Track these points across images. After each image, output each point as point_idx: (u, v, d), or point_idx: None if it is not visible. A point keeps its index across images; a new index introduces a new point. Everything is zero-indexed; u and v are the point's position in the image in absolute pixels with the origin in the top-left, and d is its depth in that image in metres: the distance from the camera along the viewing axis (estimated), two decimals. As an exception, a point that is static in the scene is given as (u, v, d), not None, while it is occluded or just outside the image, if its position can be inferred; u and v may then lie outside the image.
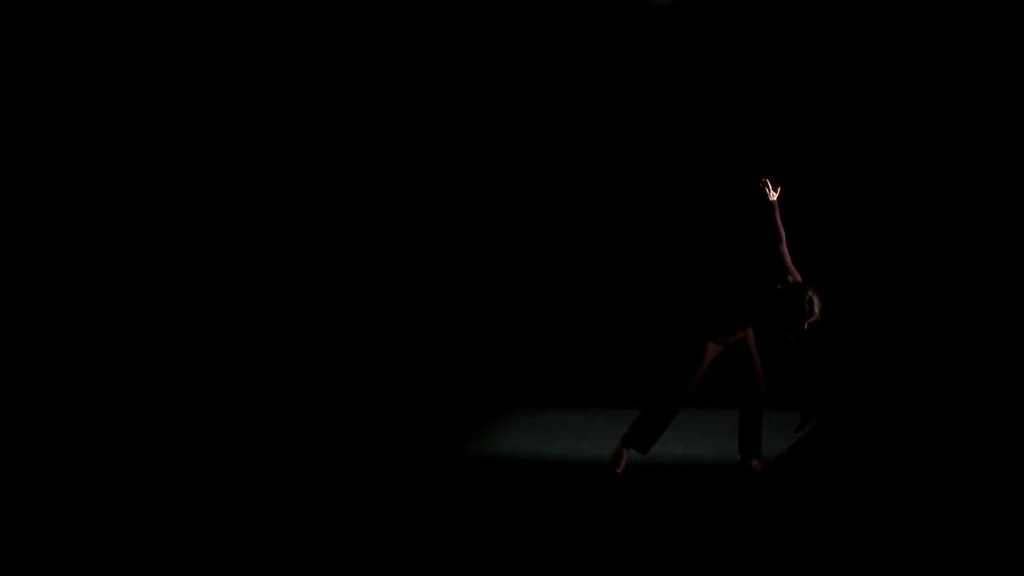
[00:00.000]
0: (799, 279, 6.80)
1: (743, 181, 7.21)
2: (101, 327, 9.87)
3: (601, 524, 6.03)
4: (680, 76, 10.39)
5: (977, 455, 7.59)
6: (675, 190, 10.46)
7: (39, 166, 9.85)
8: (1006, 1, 9.73)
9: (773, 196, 6.98)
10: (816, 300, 6.64)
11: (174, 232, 10.19)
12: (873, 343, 7.29)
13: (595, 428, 8.76)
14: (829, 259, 9.50)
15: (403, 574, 5.20)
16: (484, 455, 7.81)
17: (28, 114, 9.79)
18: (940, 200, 10.02)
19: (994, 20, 9.79)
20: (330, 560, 5.35)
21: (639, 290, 10.51)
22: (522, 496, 6.62)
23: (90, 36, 9.87)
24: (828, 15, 10.09)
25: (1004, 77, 9.84)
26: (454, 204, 10.59)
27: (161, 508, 6.30)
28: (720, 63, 10.32)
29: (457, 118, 10.50)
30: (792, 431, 6.81)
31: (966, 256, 9.93)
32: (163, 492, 6.68)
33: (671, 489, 6.80)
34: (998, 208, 9.90)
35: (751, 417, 7.19)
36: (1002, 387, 9.16)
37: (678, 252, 10.35)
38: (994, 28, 9.80)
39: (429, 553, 5.46)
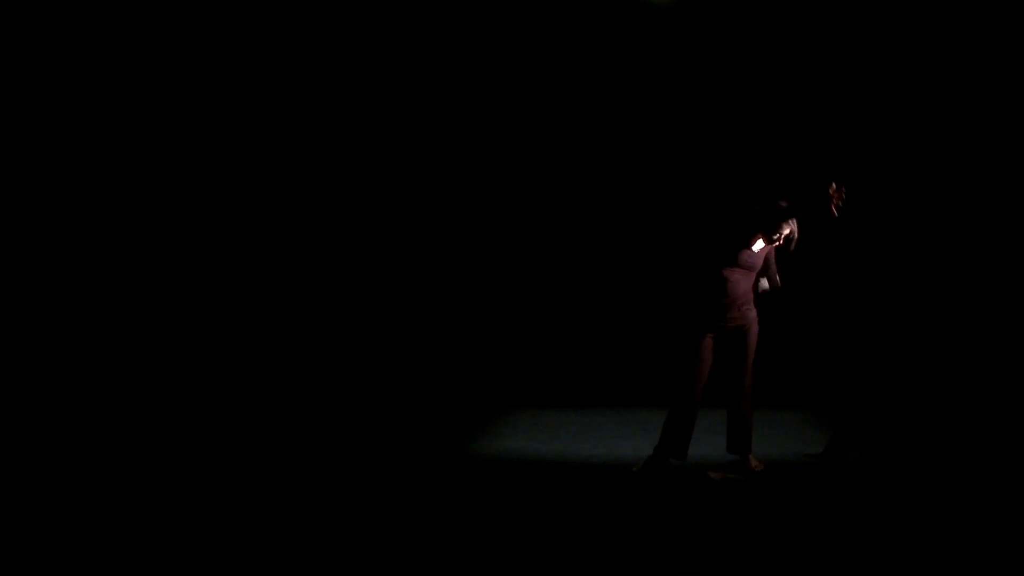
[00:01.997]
0: None
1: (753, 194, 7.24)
2: (102, 328, 9.87)
3: (601, 524, 6.03)
4: (679, 76, 10.39)
5: (977, 455, 7.61)
6: (674, 190, 10.46)
7: (39, 167, 9.85)
8: (1005, 1, 9.75)
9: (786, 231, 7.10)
10: (793, 222, 6.97)
11: (175, 234, 10.20)
12: (878, 344, 7.30)
13: (595, 428, 8.77)
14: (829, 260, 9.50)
15: (403, 574, 5.21)
16: (484, 455, 7.82)
17: (28, 115, 9.79)
18: (939, 201, 10.03)
19: (993, 20, 9.80)
20: (330, 560, 5.36)
21: (639, 290, 10.51)
22: (522, 496, 6.63)
23: (90, 36, 9.87)
24: (827, 15, 10.10)
25: (1001, 78, 9.85)
26: (454, 206, 10.59)
27: (162, 508, 6.31)
28: (720, 63, 10.32)
29: (458, 121, 10.51)
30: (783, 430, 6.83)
31: (966, 257, 9.94)
32: (165, 492, 6.69)
33: (671, 489, 6.81)
34: (997, 208, 9.90)
35: (739, 414, 7.18)
36: (1001, 388, 9.16)
37: (679, 253, 10.35)
38: (992, 30, 9.82)
39: (430, 553, 5.47)
